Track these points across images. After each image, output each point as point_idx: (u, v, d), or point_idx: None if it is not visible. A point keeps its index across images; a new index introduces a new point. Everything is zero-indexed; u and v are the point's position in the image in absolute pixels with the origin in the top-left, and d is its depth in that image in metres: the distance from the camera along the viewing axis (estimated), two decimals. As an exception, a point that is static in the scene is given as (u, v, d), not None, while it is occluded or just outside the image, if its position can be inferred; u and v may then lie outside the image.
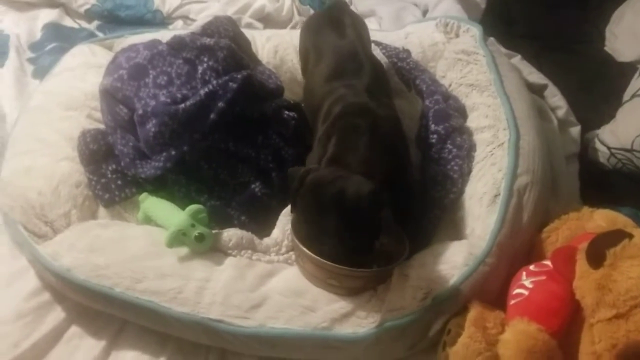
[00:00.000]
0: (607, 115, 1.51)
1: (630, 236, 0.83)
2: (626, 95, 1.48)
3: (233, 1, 1.87)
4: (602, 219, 0.98)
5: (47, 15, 1.89)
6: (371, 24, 1.79)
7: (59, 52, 1.69)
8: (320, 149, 1.07)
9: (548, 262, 0.98)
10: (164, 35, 1.51)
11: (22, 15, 1.89)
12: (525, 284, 0.95)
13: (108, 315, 1.11)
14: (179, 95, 1.16)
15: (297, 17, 1.86)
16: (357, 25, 1.38)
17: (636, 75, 1.51)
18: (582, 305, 0.85)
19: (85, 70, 1.43)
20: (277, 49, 1.52)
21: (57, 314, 1.13)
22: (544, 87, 1.50)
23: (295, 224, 1.06)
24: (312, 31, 1.40)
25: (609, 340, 0.79)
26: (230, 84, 1.15)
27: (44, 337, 1.10)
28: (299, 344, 1.01)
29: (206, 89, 1.15)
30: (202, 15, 1.84)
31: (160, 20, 1.88)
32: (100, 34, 1.83)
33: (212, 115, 1.15)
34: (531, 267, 0.98)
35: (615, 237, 0.84)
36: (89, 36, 1.81)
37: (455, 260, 1.03)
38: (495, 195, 1.09)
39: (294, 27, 1.82)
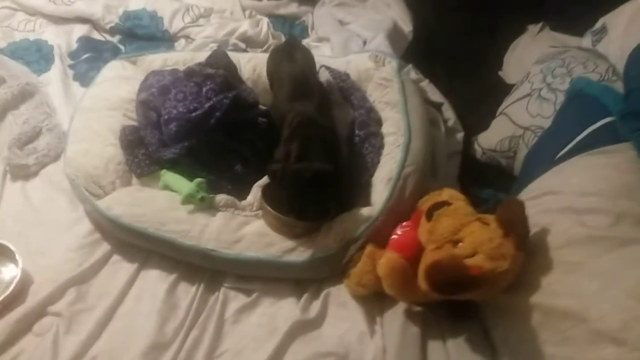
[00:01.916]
0: (487, 125, 2.04)
1: (449, 204, 1.41)
2: (498, 112, 2.02)
3: (223, 26, 2.33)
4: (446, 194, 1.51)
5: (80, 29, 2.33)
6: (326, 48, 2.30)
7: (91, 61, 2.19)
8: (284, 148, 1.53)
9: (414, 220, 1.57)
10: (172, 56, 2.02)
11: (60, 29, 2.32)
12: (397, 232, 1.49)
13: (137, 248, 1.58)
14: (191, 107, 1.65)
15: (271, 40, 2.34)
16: (306, 56, 1.85)
17: (507, 97, 2.07)
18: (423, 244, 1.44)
19: (119, 81, 1.91)
20: (255, 67, 1.99)
21: (105, 247, 1.60)
22: (441, 104, 2.04)
23: (265, 192, 1.60)
24: (275, 61, 1.85)
25: (431, 259, 1.33)
26: (224, 100, 1.65)
27: (97, 261, 1.56)
28: (262, 266, 1.52)
29: (209, 103, 1.64)
30: (199, 36, 2.30)
31: (168, 38, 2.34)
32: (121, 46, 2.31)
33: (212, 121, 1.63)
34: (404, 223, 1.51)
35: (440, 205, 1.40)
36: (113, 48, 2.29)
37: (360, 219, 1.56)
38: (389, 179, 1.60)
39: (268, 48, 2.29)
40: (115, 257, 1.61)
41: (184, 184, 1.61)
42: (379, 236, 1.54)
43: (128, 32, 2.35)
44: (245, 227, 1.58)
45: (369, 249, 1.53)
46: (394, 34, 2.28)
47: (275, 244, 1.55)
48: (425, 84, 2.10)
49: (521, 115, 1.87)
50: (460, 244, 1.33)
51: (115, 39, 2.36)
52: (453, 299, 1.39)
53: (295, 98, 1.68)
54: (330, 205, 1.59)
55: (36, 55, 2.19)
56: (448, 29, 2.50)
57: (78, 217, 1.68)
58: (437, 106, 2.05)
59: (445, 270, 1.27)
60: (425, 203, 1.62)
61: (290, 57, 1.80)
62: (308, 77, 1.76)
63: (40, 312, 1.48)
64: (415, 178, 1.64)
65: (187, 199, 1.57)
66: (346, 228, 1.57)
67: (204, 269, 1.58)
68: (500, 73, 2.37)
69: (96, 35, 2.36)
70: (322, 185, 1.47)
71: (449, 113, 2.03)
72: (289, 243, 1.55)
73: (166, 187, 1.66)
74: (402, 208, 1.60)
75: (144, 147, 1.72)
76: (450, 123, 2.01)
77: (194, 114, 1.65)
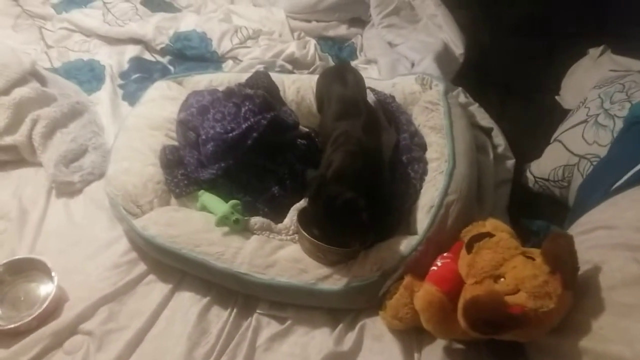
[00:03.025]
0: (540, 153, 1.95)
1: (491, 236, 1.32)
2: (552, 139, 1.92)
3: (270, 48, 2.33)
4: (490, 225, 1.43)
5: (132, 50, 2.37)
6: (373, 70, 2.27)
7: (141, 81, 2.21)
8: (326, 160, 1.50)
9: (455, 251, 1.48)
10: (218, 77, 2.01)
11: (113, 49, 2.38)
12: (437, 263, 1.41)
13: (173, 269, 1.57)
14: (229, 128, 1.63)
15: (317, 62, 2.32)
16: (357, 79, 1.82)
17: (562, 123, 1.96)
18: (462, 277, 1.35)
19: (163, 101, 1.92)
20: (299, 89, 1.96)
21: (141, 267, 1.59)
22: (491, 129, 1.95)
23: (301, 216, 1.56)
24: (325, 82, 1.84)
25: (470, 295, 1.25)
26: (262, 121, 1.62)
27: (132, 280, 1.56)
28: (296, 292, 1.47)
29: (246, 124, 1.61)
30: (247, 57, 2.31)
31: (216, 59, 2.35)
32: (171, 67, 2.33)
33: (249, 142, 1.61)
34: (444, 254, 1.43)
35: (482, 236, 1.32)
36: (163, 68, 2.32)
37: (399, 248, 1.49)
38: (431, 206, 1.53)
39: (315, 69, 2.28)
40: (150, 277, 1.60)
41: (219, 206, 1.58)
42: (418, 267, 1.47)
43: (178, 53, 2.38)
44: (279, 251, 1.54)
45: (407, 280, 1.45)
46: (444, 56, 2.22)
47: (310, 270, 1.50)
48: (475, 107, 2.02)
49: (576, 143, 1.77)
50: (501, 279, 1.25)
51: (165, 60, 2.39)
52: (495, 338, 1.29)
53: (342, 118, 1.65)
54: (355, 236, 1.52)
55: (88, 75, 2.23)
56: (503, 52, 2.44)
57: (117, 235, 1.68)
58: (487, 131, 1.97)
59: (484, 307, 1.20)
60: (468, 234, 1.53)
61: (342, 80, 1.78)
62: (358, 100, 1.71)
63: (72, 329, 1.48)
64: (459, 207, 1.56)
65: (221, 221, 1.54)
66: (384, 257, 1.51)
67: (238, 293, 1.56)
68: (557, 98, 2.27)
69: (147, 56, 2.40)
70: (350, 216, 1.41)
71: (499, 139, 1.94)
72: (323, 270, 1.50)
73: (203, 208, 1.64)
74: (443, 238, 1.53)
75: (183, 167, 1.71)
76: (500, 149, 1.92)
77: (230, 135, 1.64)
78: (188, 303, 1.54)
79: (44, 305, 1.47)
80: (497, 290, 1.22)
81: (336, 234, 1.47)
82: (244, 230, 1.58)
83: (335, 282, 1.48)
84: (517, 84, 2.33)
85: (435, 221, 1.53)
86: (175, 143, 1.79)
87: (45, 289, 1.55)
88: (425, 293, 1.35)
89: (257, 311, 1.53)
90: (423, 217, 1.57)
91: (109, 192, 1.69)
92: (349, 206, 1.40)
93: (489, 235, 1.33)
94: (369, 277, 1.49)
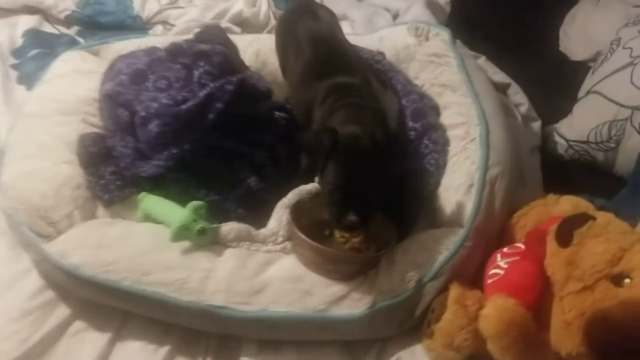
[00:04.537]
0: (563, 111, 1.64)
1: (593, 218, 0.95)
2: (581, 92, 1.62)
3: (211, 7, 1.95)
4: (567, 204, 1.10)
5: (26, 21, 1.95)
6: (344, 27, 1.84)
7: (42, 58, 1.79)
8: (319, 124, 1.19)
9: (520, 245, 1.09)
10: (148, 42, 1.60)
11: (1, 22, 1.92)
12: (500, 264, 1.05)
13: (111, 310, 1.19)
14: (179, 98, 1.26)
15: (273, 22, 1.95)
16: (333, 16, 1.53)
17: (590, 73, 1.66)
18: (553, 281, 0.96)
19: (76, 76, 1.50)
20: (259, 53, 1.58)
21: (62, 311, 1.21)
22: (507, 85, 1.64)
23: (296, 212, 1.16)
24: (287, 25, 1.50)
25: (578, 309, 0.90)
26: (227, 86, 1.26)
27: (50, 332, 1.16)
28: (298, 326, 1.11)
29: (205, 91, 1.25)
30: (180, 21, 1.92)
31: (140, 26, 1.96)
32: (81, 40, 1.91)
33: (210, 115, 1.25)
34: (505, 250, 1.08)
35: (581, 219, 0.96)
36: (70, 41, 1.89)
37: (437, 246, 1.14)
38: (470, 186, 1.21)
39: (270, 32, 1.88)
40: (78, 325, 1.20)
41: (173, 211, 1.19)
42: (467, 270, 1.15)
43: (88, 21, 1.97)
44: (268, 268, 1.15)
45: (456, 291, 1.08)
46: (430, 3, 1.84)
47: (316, 291, 1.11)
48: (482, 61, 1.69)
49: (624, 91, 1.49)
50: (626, 280, 0.89)
51: (72, 31, 1.97)
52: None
53: (327, 73, 1.29)
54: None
55: (-35, 56, 1.77)
56: (488, 3, 2.16)
57: (22, 269, 1.28)
58: (502, 89, 1.63)
59: (622, 328, 0.82)
60: (525, 218, 1.18)
61: (312, 15, 1.44)
62: (342, 41, 1.38)
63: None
64: (505, 182, 1.24)
65: (180, 233, 1.15)
66: (417, 261, 1.14)
67: (210, 334, 1.18)
68: (561, 49, 1.99)
69: (47, 28, 1.96)
70: (381, 172, 1.09)
71: (519, 96, 1.63)
72: (336, 288, 1.11)
73: (147, 218, 1.26)
74: (492, 227, 1.21)
75: (112, 162, 1.31)
76: (523, 110, 1.61)
77: (184, 107, 1.25)
78: (139, 357, 1.15)
79: None
80: (632, 299, 0.82)
81: (364, 205, 1.09)
82: (214, 244, 1.18)
83: (354, 304, 1.10)
84: (510, 36, 2.04)
85: (481, 204, 1.18)
86: (98, 130, 1.36)
87: None
88: (500, 310, 0.97)
89: (242, 358, 1.15)
90: (460, 201, 1.22)
91: (5, 207, 1.26)
92: (381, 149, 1.08)
93: (591, 217, 0.93)
94: (401, 292, 1.11)
